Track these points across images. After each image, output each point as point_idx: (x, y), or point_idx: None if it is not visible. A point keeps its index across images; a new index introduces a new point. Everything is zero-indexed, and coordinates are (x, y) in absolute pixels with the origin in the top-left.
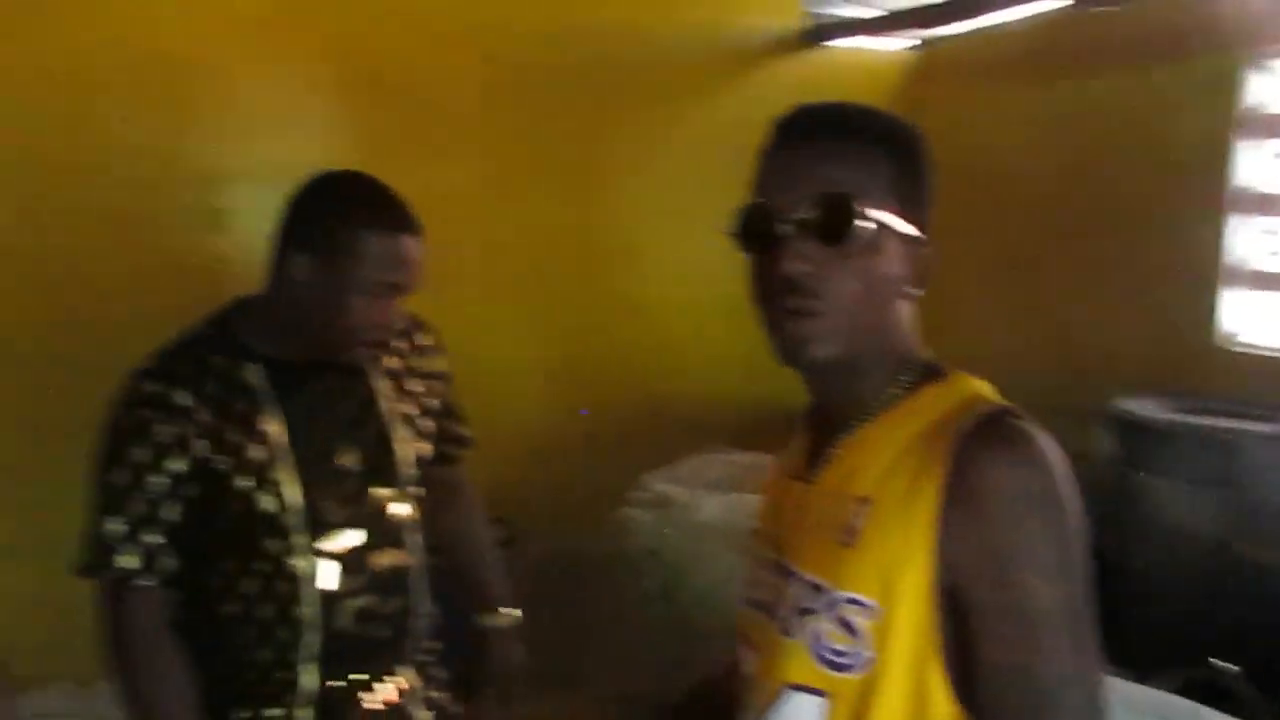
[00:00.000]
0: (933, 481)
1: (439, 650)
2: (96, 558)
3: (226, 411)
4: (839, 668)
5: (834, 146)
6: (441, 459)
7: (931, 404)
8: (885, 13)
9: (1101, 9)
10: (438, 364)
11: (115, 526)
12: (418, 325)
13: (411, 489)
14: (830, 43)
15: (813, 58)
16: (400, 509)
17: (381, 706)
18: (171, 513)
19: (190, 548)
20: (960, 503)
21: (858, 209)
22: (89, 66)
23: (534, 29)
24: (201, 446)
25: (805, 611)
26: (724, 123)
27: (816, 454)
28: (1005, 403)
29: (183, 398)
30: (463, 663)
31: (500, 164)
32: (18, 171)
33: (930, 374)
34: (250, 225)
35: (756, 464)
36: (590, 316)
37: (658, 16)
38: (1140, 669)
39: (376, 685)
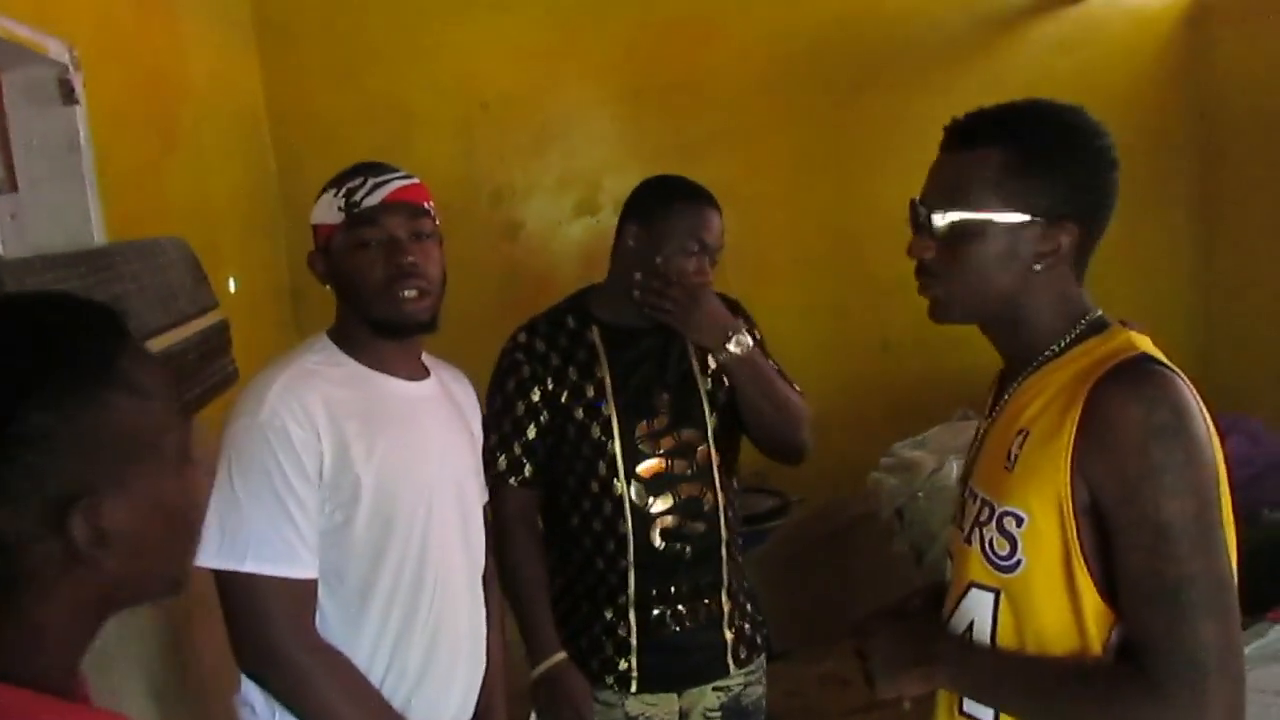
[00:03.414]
0: (1073, 416)
1: (749, 590)
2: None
3: (571, 359)
4: (1003, 569)
5: (955, 156)
6: None
7: (1087, 354)
8: None
9: None
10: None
11: (494, 439)
12: (732, 304)
13: (719, 434)
14: None
15: (1076, 14)
16: (705, 448)
17: (691, 622)
18: (529, 431)
19: (544, 462)
20: (1093, 433)
21: (939, 213)
22: (407, 103)
23: (786, 24)
24: (551, 383)
25: (979, 523)
26: (983, 90)
27: (999, 397)
28: (1147, 350)
29: (541, 346)
30: None
31: (762, 155)
32: None
33: (1095, 329)
34: (538, 232)
35: None
36: (850, 295)
37: None
38: None
39: (692, 602)
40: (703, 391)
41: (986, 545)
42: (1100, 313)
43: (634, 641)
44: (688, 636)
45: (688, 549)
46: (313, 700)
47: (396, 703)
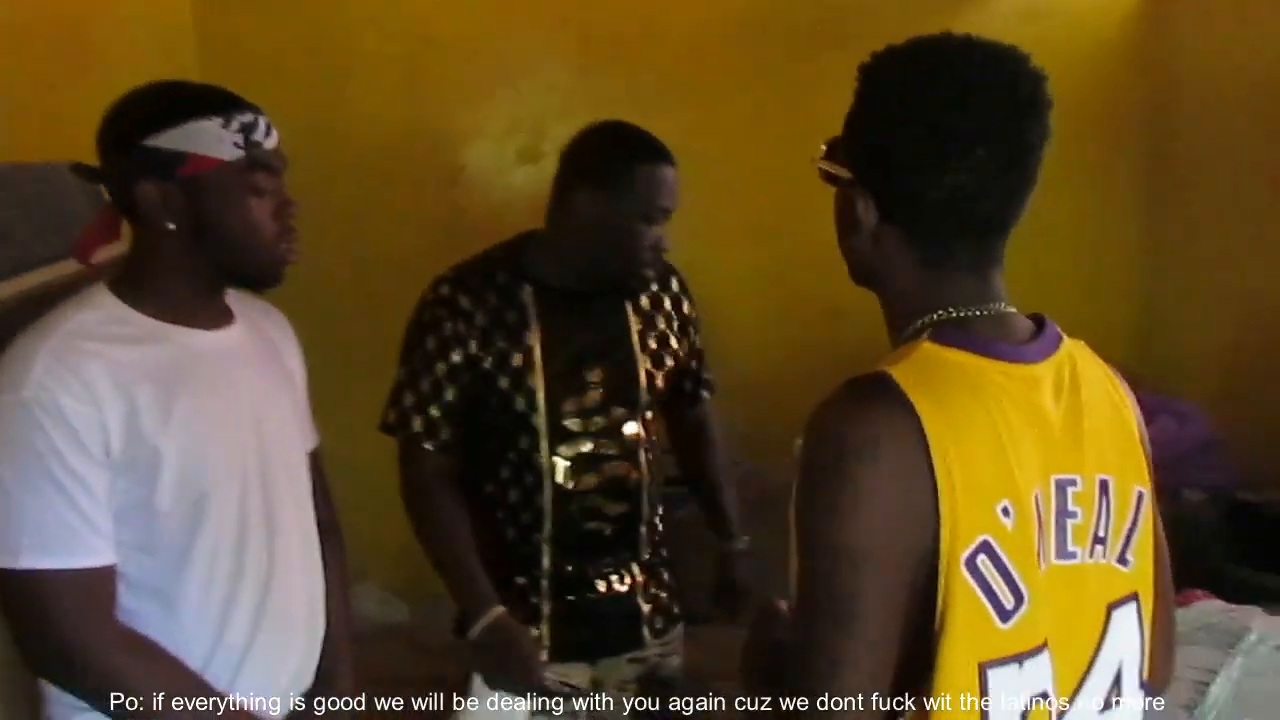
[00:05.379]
0: None
1: (668, 559)
2: (396, 421)
3: (500, 320)
4: None
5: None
6: (691, 400)
7: (883, 362)
8: None
9: None
10: (687, 308)
11: (409, 398)
12: (672, 271)
13: (647, 412)
14: None
15: None
16: (633, 427)
17: (606, 590)
18: (449, 394)
19: (463, 426)
20: None
21: (818, 158)
22: (346, 42)
23: None
24: (475, 345)
25: None
26: None
27: None
28: (890, 370)
29: (467, 303)
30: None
31: (716, 111)
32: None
33: (918, 334)
34: (480, 178)
35: None
36: (801, 260)
37: None
38: None
39: (606, 574)
40: (641, 370)
41: None
42: (955, 314)
43: (546, 610)
44: (601, 607)
45: (608, 528)
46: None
47: (223, 679)
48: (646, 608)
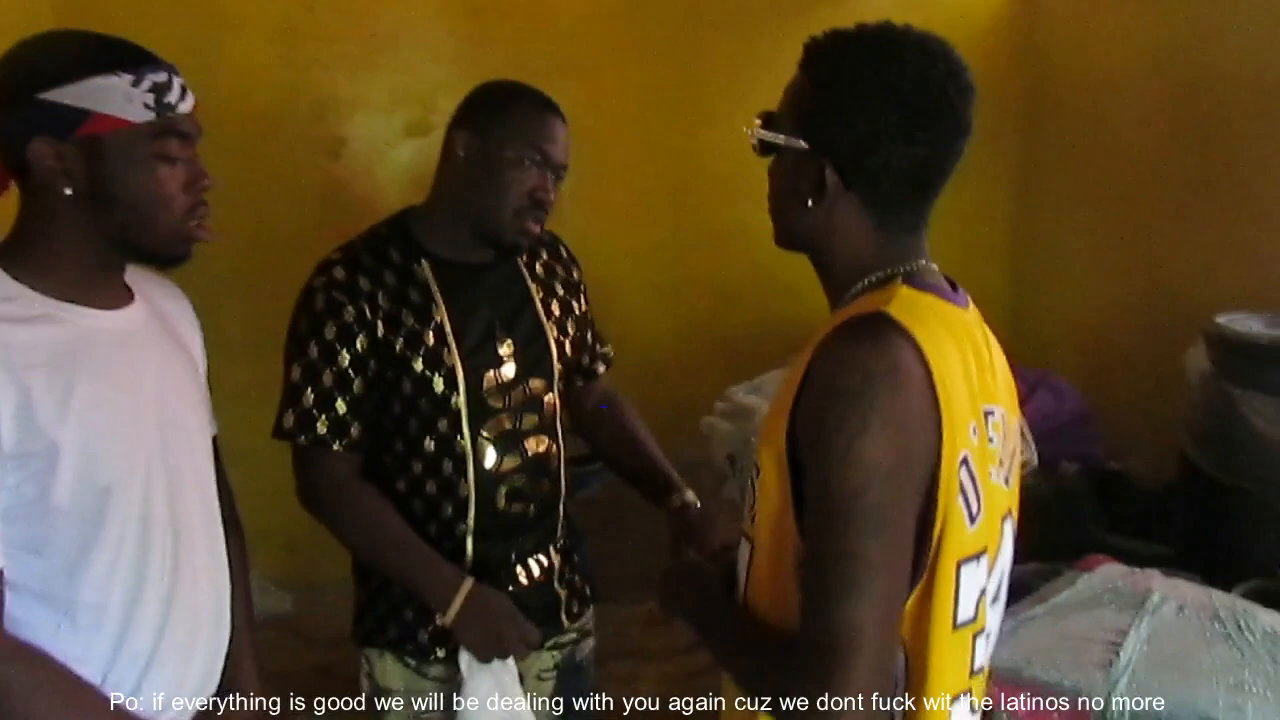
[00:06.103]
0: (800, 369)
1: (578, 539)
2: (296, 425)
3: (403, 299)
4: (752, 520)
5: (793, 77)
6: (587, 374)
7: (852, 308)
8: None
9: None
10: (576, 275)
11: (310, 397)
12: (557, 239)
13: (560, 383)
14: None
15: None
16: (551, 398)
17: (526, 581)
18: (357, 385)
19: (371, 420)
20: (804, 390)
21: (755, 129)
22: (221, 4)
23: None
24: (381, 328)
25: (751, 473)
26: None
27: None
28: (886, 309)
29: (366, 284)
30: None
31: (608, 89)
32: None
33: (883, 283)
34: (363, 151)
35: None
36: (689, 239)
37: None
38: (1234, 578)
39: (527, 560)
40: (550, 338)
41: (748, 495)
42: (912, 266)
43: None
44: (522, 599)
45: (531, 508)
46: (12, 714)
47: (126, 687)
48: (564, 593)
